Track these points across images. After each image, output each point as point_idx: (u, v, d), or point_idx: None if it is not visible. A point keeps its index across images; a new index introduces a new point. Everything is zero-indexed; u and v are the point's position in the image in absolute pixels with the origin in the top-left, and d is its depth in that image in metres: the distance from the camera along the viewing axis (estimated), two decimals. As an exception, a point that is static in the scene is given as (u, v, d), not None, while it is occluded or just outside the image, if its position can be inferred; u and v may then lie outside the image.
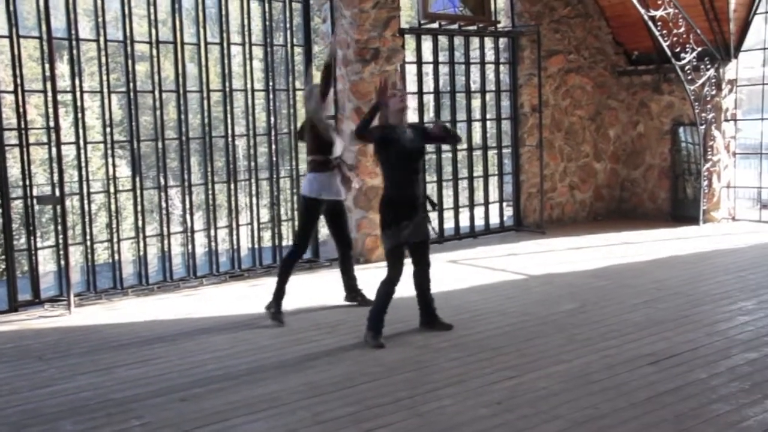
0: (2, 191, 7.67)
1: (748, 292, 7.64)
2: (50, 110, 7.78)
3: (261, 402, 5.12)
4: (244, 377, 5.63)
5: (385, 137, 6.26)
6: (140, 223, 8.60)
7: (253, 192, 9.33)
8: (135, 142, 8.52)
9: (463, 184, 11.51)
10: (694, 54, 11.18)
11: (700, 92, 11.47)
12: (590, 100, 12.62)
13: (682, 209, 12.24)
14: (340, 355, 6.10)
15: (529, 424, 4.62)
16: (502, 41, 11.80)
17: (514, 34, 11.69)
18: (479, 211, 11.69)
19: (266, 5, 9.26)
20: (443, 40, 11.03)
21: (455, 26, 10.98)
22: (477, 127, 11.84)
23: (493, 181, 11.93)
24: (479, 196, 11.73)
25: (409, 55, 11.13)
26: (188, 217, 8.88)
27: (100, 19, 8.21)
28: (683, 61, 11.14)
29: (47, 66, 7.78)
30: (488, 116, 11.85)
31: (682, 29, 10.98)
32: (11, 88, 7.81)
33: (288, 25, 9.46)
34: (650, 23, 10.84)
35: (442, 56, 11.08)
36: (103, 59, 8.30)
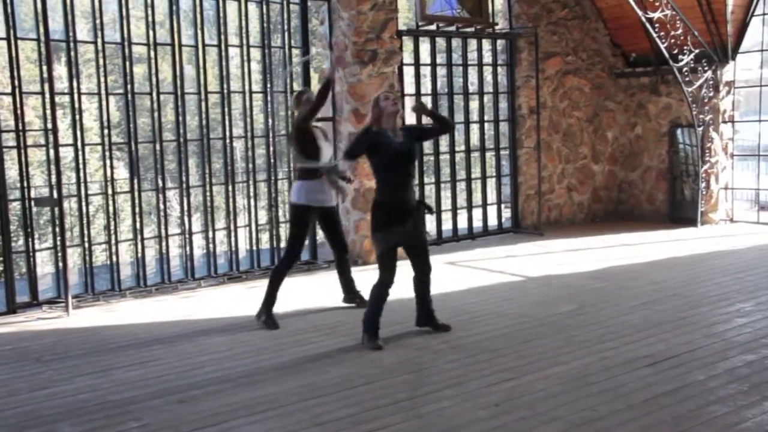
0: (0, 193, 7.67)
1: (746, 294, 7.65)
2: (48, 112, 7.78)
3: (259, 404, 5.12)
4: (242, 379, 5.63)
5: (374, 142, 6.21)
6: (138, 224, 8.59)
7: (251, 194, 9.34)
8: (133, 143, 8.52)
9: (461, 186, 11.52)
10: (692, 56, 11.19)
11: (697, 94, 11.48)
12: (588, 102, 12.63)
13: (680, 211, 12.26)
14: (338, 356, 6.10)
15: (527, 426, 4.62)
16: (500, 43, 11.81)
17: (512, 36, 11.70)
18: (477, 213, 11.69)
19: (264, 7, 9.26)
20: (441, 41, 11.05)
21: (453, 28, 10.99)
22: (475, 128, 11.84)
23: (491, 183, 11.94)
24: (477, 197, 11.74)
25: (407, 57, 11.14)
26: (186, 218, 8.88)
27: (97, 21, 8.21)
28: (681, 63, 11.15)
29: (45, 68, 7.78)
30: (486, 118, 11.87)
31: (680, 31, 11.00)
32: (9, 90, 7.81)
33: (286, 27, 9.46)
34: (648, 25, 10.85)
35: (440, 58, 11.09)
36: (101, 61, 8.30)
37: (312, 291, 8.32)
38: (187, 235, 8.87)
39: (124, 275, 8.62)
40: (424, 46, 10.92)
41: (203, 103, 8.92)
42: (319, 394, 5.24)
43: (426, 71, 10.88)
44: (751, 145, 13.34)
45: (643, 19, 10.77)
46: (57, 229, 7.98)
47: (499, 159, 11.95)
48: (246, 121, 9.23)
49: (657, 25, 10.90)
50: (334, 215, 7.45)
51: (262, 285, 7.29)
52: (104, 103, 8.34)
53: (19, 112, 7.77)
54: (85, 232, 8.28)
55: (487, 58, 12.05)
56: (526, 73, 11.79)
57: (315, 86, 10.11)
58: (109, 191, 8.40)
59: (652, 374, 5.42)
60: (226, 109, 9.02)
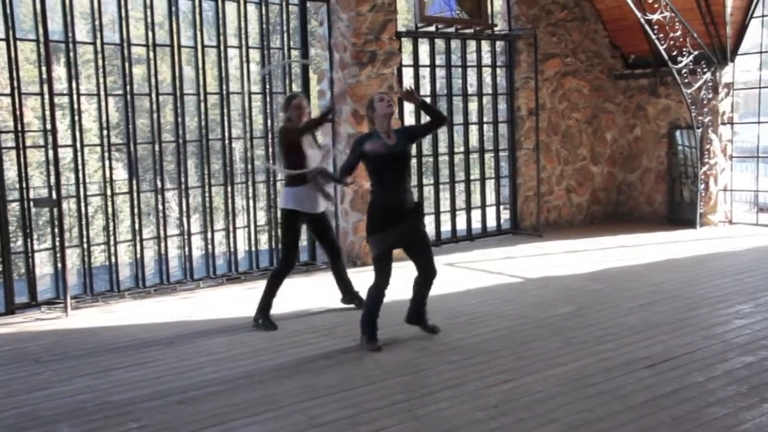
0: (-1, 194, 7.68)
1: (745, 296, 7.65)
2: (47, 113, 7.78)
3: (258, 405, 5.12)
4: (241, 380, 5.63)
5: (365, 147, 6.17)
6: (137, 225, 8.59)
7: (250, 195, 9.34)
8: (132, 144, 8.52)
9: (460, 187, 11.53)
10: (691, 57, 11.20)
11: (696, 96, 11.49)
12: (587, 104, 12.63)
13: (679, 212, 12.26)
14: (337, 358, 6.10)
15: (526, 428, 4.61)
16: (499, 44, 11.82)
17: (511, 37, 11.71)
18: (476, 214, 11.69)
19: (263, 8, 9.26)
20: (440, 43, 11.05)
21: (452, 29, 10.99)
22: (474, 130, 11.85)
23: (490, 184, 11.94)
24: (476, 199, 11.73)
25: (406, 59, 11.13)
26: (185, 219, 8.88)
27: (96, 22, 8.21)
28: (680, 65, 11.15)
29: (44, 69, 7.78)
30: (485, 119, 11.88)
31: (679, 33, 11.00)
32: (8, 90, 7.81)
33: (285, 28, 9.47)
34: (647, 27, 10.85)
35: (439, 59, 11.09)
36: (100, 62, 8.29)
37: (310, 292, 8.32)
38: (185, 236, 8.87)
39: (122, 276, 8.62)
40: (423, 48, 10.92)
41: (202, 104, 8.92)
42: (318, 395, 5.24)
43: (425, 72, 10.89)
44: (750, 146, 13.34)
45: (643, 20, 10.78)
46: (56, 230, 7.98)
47: (498, 160, 11.96)
48: (245, 122, 9.23)
49: (656, 26, 10.90)
50: (323, 220, 7.40)
51: (260, 286, 7.28)
52: (103, 104, 8.34)
53: (18, 112, 7.76)
54: (84, 232, 8.28)
55: (486, 59, 12.05)
56: (525, 75, 11.79)
57: (314, 87, 10.14)
58: (108, 192, 8.40)
59: (651, 376, 5.42)
60: (225, 110, 9.03)
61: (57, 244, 7.94)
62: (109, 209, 8.45)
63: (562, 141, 12.38)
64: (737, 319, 6.85)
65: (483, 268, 9.46)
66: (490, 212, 11.88)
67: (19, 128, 7.78)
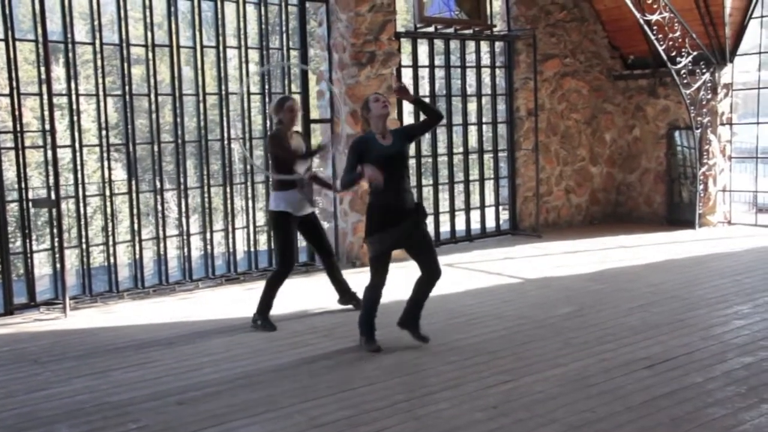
0: (-2, 194, 7.67)
1: (743, 296, 7.65)
2: (46, 113, 7.78)
3: (258, 405, 5.11)
4: (240, 381, 5.62)
5: (360, 151, 6.08)
6: (136, 226, 8.59)
7: (249, 195, 9.33)
8: (131, 145, 8.52)
9: (459, 188, 11.53)
10: (690, 58, 11.20)
11: (695, 96, 11.49)
12: (586, 104, 12.64)
13: (678, 213, 12.27)
14: (336, 358, 6.10)
15: (526, 428, 4.61)
16: (498, 45, 11.82)
17: (510, 38, 11.71)
18: (475, 215, 11.69)
19: (262, 8, 9.26)
20: (439, 43, 11.05)
21: (451, 30, 10.99)
22: (473, 130, 11.85)
23: (489, 185, 11.95)
24: (475, 199, 11.73)
25: (405, 59, 11.13)
26: (184, 220, 8.88)
27: (95, 22, 8.21)
28: (679, 65, 11.16)
29: (43, 69, 7.78)
30: (484, 120, 11.88)
31: (678, 33, 11.01)
32: (7, 91, 7.80)
33: (284, 29, 9.47)
34: (646, 27, 10.86)
35: (438, 60, 11.10)
36: (99, 62, 8.29)
37: (310, 293, 8.31)
38: (184, 237, 8.87)
39: (121, 276, 8.62)
40: (423, 48, 10.92)
41: (201, 105, 8.91)
42: (317, 396, 5.24)
43: (424, 73, 10.88)
44: (749, 147, 13.35)
45: (642, 21, 10.78)
46: (55, 231, 7.98)
47: (497, 161, 11.96)
48: (244, 122, 9.23)
49: (655, 27, 10.91)
50: (314, 222, 7.38)
51: (259, 286, 7.27)
52: (102, 104, 8.34)
53: (17, 113, 7.76)
54: (83, 233, 8.28)
55: (486, 60, 12.05)
56: (524, 75, 11.80)
57: (313, 88, 10.13)
58: (107, 192, 8.40)
59: (651, 376, 5.42)
60: (224, 111, 9.03)
61: (56, 244, 7.94)
62: (108, 210, 8.45)
63: (561, 141, 12.39)
64: (736, 319, 6.85)
65: (482, 269, 9.46)
66: (489, 213, 11.87)
67: (18, 128, 7.77)
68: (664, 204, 12.54)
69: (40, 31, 7.64)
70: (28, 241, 7.98)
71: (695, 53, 11.25)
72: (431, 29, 10.79)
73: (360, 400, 5.15)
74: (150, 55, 8.56)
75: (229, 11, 9.14)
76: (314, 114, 10.16)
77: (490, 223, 11.87)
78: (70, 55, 8.14)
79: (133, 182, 8.53)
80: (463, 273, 9.23)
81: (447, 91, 11.21)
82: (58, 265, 7.91)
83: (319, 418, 4.87)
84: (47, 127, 7.77)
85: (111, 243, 8.47)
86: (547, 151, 12.20)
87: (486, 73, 11.95)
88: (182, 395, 5.35)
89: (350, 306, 7.54)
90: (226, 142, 9.08)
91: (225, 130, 9.04)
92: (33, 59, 8.33)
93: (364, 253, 9.53)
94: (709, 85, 11.60)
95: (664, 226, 12.15)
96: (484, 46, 11.91)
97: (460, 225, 11.44)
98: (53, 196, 7.81)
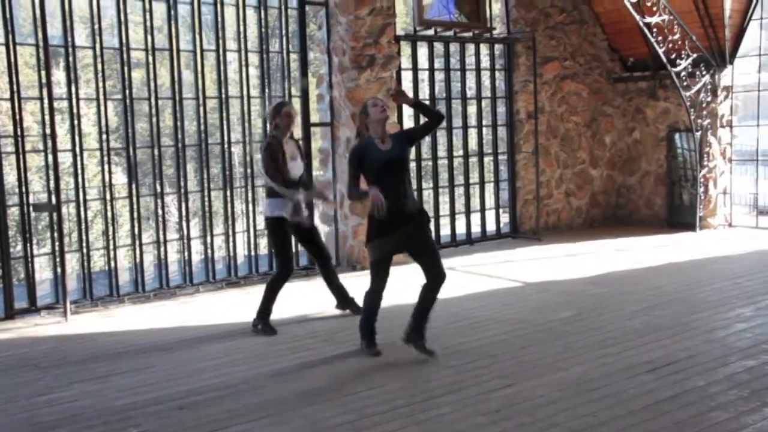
0: (-2, 198, 7.67)
1: (745, 299, 7.64)
2: (46, 117, 7.77)
3: (259, 410, 5.11)
4: (241, 385, 5.62)
5: (361, 157, 6.04)
6: (136, 230, 8.58)
7: (250, 199, 9.32)
8: (131, 149, 8.52)
9: (459, 191, 11.52)
10: (690, 60, 11.21)
11: (695, 98, 11.50)
12: (586, 107, 12.64)
13: (679, 216, 12.26)
14: (337, 363, 6.09)
15: (528, 433, 4.61)
16: (498, 48, 11.82)
17: (510, 40, 11.71)
18: (475, 218, 11.68)
19: (262, 12, 9.26)
20: (439, 46, 11.05)
21: (451, 33, 10.99)
22: (473, 133, 11.84)
23: (490, 188, 11.94)
24: (475, 202, 11.73)
25: (405, 62, 11.14)
26: (184, 224, 8.87)
27: (95, 26, 8.21)
28: (679, 68, 11.16)
29: (43, 73, 7.78)
30: (484, 123, 11.87)
31: (678, 36, 11.01)
32: (7, 95, 7.80)
33: (284, 32, 9.47)
34: (645, 30, 10.86)
35: (438, 63, 11.10)
36: (99, 66, 8.29)
37: (310, 297, 8.29)
38: (185, 241, 8.86)
39: (122, 281, 8.61)
40: (422, 51, 10.92)
41: (201, 108, 8.91)
42: (318, 401, 5.23)
43: (424, 76, 10.88)
44: (749, 149, 13.35)
45: (641, 23, 10.78)
46: (55, 235, 7.97)
47: (497, 164, 11.95)
48: (244, 126, 9.23)
49: (655, 29, 10.91)
50: (309, 227, 7.38)
51: (260, 290, 7.26)
52: (102, 108, 8.34)
53: (17, 117, 7.76)
54: (84, 237, 8.27)
55: (485, 62, 12.05)
56: (524, 78, 11.80)
57: (313, 91, 10.12)
58: (108, 197, 8.40)
59: (653, 380, 5.41)
60: (224, 114, 9.02)
61: (56, 248, 7.93)
62: (109, 214, 8.45)
63: (561, 144, 12.38)
64: (738, 322, 6.85)
65: (483, 272, 9.45)
66: (490, 216, 11.87)
67: (19, 133, 7.77)
68: (664, 206, 12.54)
69: (40, 35, 7.64)
70: (28, 245, 7.97)
71: (695, 55, 11.26)
72: (431, 32, 10.79)
73: (361, 404, 5.14)
74: (150, 58, 8.56)
75: (229, 15, 9.14)
76: (314, 117, 10.15)
77: (491, 227, 11.87)
78: (71, 59, 8.14)
79: (134, 186, 8.52)
80: (463, 276, 9.22)
81: (447, 94, 11.21)
82: (58, 270, 7.91)
83: (320, 422, 4.86)
84: (48, 131, 7.76)
85: (111, 247, 8.47)
86: (547, 154, 12.20)
87: (486, 76, 11.95)
88: (183, 400, 5.34)
89: (348, 311, 7.51)
90: (226, 145, 9.08)
91: (225, 133, 9.04)
92: (33, 63, 8.32)
93: (364, 256, 9.52)
94: (709, 87, 11.60)
95: (665, 229, 12.15)
96: (484, 49, 11.91)
97: (461, 228, 11.43)
98: (54, 201, 7.80)
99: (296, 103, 9.36)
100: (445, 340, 6.54)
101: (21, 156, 7.82)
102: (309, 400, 5.26)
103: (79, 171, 8.23)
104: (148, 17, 8.48)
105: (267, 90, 9.34)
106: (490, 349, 6.29)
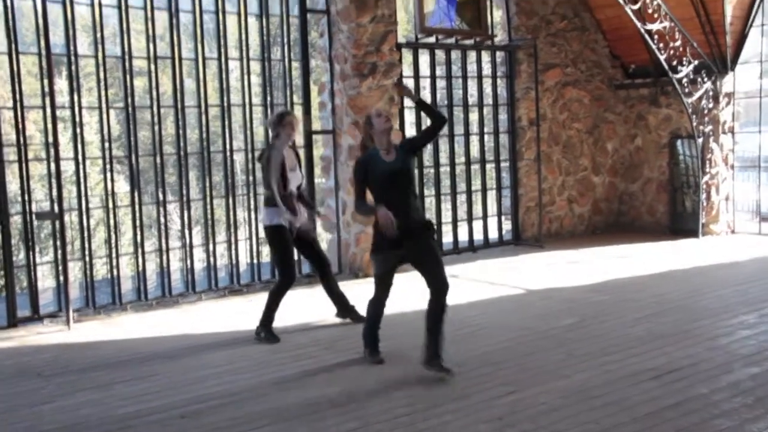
0: (1, 207, 7.67)
1: (748, 306, 7.63)
2: (49, 126, 7.78)
3: (261, 418, 5.10)
4: (243, 393, 5.61)
5: (366, 169, 5.97)
6: (139, 238, 8.59)
7: (252, 206, 9.33)
8: (133, 157, 8.53)
9: (462, 198, 11.52)
10: (691, 67, 11.21)
11: (697, 105, 11.50)
12: (588, 114, 12.64)
13: (681, 222, 12.25)
14: (339, 371, 6.08)
15: (531, 440, 4.61)
16: (499, 55, 11.83)
17: (511, 47, 11.72)
18: (478, 225, 11.68)
19: (263, 20, 9.28)
20: (440, 54, 11.06)
21: (452, 40, 11.01)
22: (475, 140, 11.85)
23: (492, 195, 11.94)
24: (478, 210, 11.73)
25: (407, 70, 11.15)
26: (187, 232, 8.87)
27: (98, 35, 8.23)
28: (680, 74, 11.17)
29: (46, 82, 7.79)
30: (486, 130, 11.88)
31: (679, 42, 11.02)
32: (10, 104, 7.82)
33: (285, 40, 9.48)
34: (647, 37, 10.87)
35: (440, 70, 11.10)
36: (102, 75, 8.31)
37: (313, 305, 8.27)
38: (187, 249, 8.86)
39: (124, 289, 8.61)
40: (424, 59, 10.94)
41: (203, 116, 8.92)
42: (321, 409, 5.23)
43: (425, 83, 10.90)
44: (751, 155, 13.34)
45: (642, 30, 10.79)
46: (58, 243, 7.98)
47: (499, 171, 11.95)
48: (246, 133, 9.24)
49: (656, 36, 10.92)
50: (311, 242, 7.36)
51: (262, 298, 7.26)
52: (105, 116, 8.35)
53: (20, 126, 7.77)
54: (86, 245, 8.28)
55: (487, 70, 12.07)
56: (525, 85, 11.80)
57: (315, 99, 10.13)
58: (110, 205, 8.41)
59: (656, 387, 5.40)
60: (226, 122, 9.03)
61: (59, 257, 7.93)
62: (111, 222, 8.45)
63: (563, 151, 12.38)
64: (741, 329, 6.83)
65: (485, 280, 9.44)
66: (492, 223, 11.86)
67: (22, 141, 7.78)
68: (666, 213, 12.53)
69: (43, 44, 7.67)
70: (31, 253, 7.98)
71: (696, 62, 11.26)
72: (432, 39, 10.81)
73: (364, 412, 5.13)
74: (152, 67, 8.58)
75: (231, 23, 9.16)
76: (316, 125, 10.16)
77: (493, 234, 11.86)
78: (73, 67, 8.16)
79: (136, 194, 8.53)
80: (466, 284, 9.21)
81: (448, 101, 11.22)
82: (61, 278, 7.91)
83: (322, 430, 4.86)
84: (50, 139, 7.78)
85: (114, 255, 8.47)
86: (549, 161, 12.20)
87: (487, 83, 11.96)
88: (186, 408, 5.33)
89: (347, 320, 7.50)
90: (228, 153, 9.09)
91: (227, 141, 9.05)
92: (36, 72, 8.37)
93: (367, 264, 9.52)
94: (710, 93, 11.60)
95: (667, 236, 12.13)
96: (486, 56, 11.93)
97: (463, 235, 11.43)
98: (56, 209, 7.81)
99: (297, 111, 9.38)
100: (449, 347, 6.48)
101: (24, 164, 7.84)
102: (311, 408, 5.25)
103: (82, 179, 8.25)
104: (150, 26, 8.51)
105: (269, 98, 9.36)
106: (493, 356, 6.28)
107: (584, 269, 9.86)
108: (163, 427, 5.02)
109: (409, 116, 10.70)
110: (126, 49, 8.36)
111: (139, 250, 8.58)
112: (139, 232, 8.59)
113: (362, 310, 7.09)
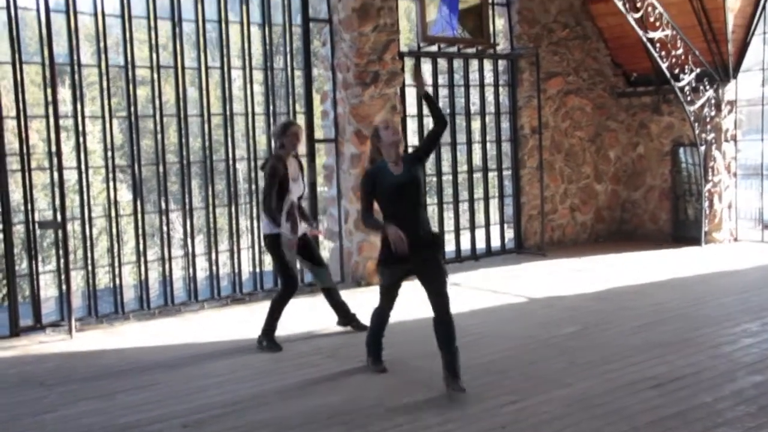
0: (4, 216, 7.69)
1: (751, 314, 7.61)
2: (52, 135, 7.80)
3: (263, 427, 5.10)
4: (245, 402, 5.61)
5: (373, 183, 5.89)
6: (141, 247, 8.59)
7: (254, 215, 9.33)
8: (136, 166, 8.54)
9: (464, 207, 11.52)
10: (693, 75, 11.22)
11: (699, 113, 11.50)
12: (590, 122, 12.65)
13: (684, 230, 12.24)
14: (342, 380, 6.08)
15: (533, 449, 4.60)
16: (502, 63, 11.85)
17: (513, 56, 11.74)
18: (480, 234, 11.67)
19: (266, 29, 9.31)
20: (442, 62, 11.08)
21: (454, 49, 11.03)
22: (477, 149, 11.86)
23: (494, 204, 11.93)
24: (480, 218, 11.73)
25: (409, 78, 11.15)
26: (189, 240, 8.88)
27: (101, 45, 8.25)
28: (682, 83, 11.18)
29: (49, 91, 7.81)
30: (488, 138, 11.88)
31: (681, 51, 11.03)
32: (14, 113, 7.83)
33: (288, 49, 9.51)
34: (649, 45, 10.88)
35: (442, 79, 11.12)
36: (105, 84, 8.33)
37: (315, 313, 8.28)
38: (190, 257, 8.87)
39: (127, 298, 8.61)
40: (426, 67, 10.96)
41: (206, 125, 8.94)
42: (323, 417, 5.22)
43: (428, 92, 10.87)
44: (753, 163, 13.32)
45: (644, 39, 10.81)
46: (60, 252, 7.99)
47: (501, 179, 11.95)
48: (249, 142, 9.25)
49: (658, 44, 10.93)
50: (307, 243, 7.34)
51: (265, 307, 7.25)
52: (107, 125, 8.37)
53: (23, 135, 7.79)
54: (89, 254, 8.28)
55: (489, 78, 12.08)
56: (527, 94, 11.82)
57: (317, 107, 10.15)
58: (113, 213, 8.42)
59: (658, 396, 5.39)
60: (228, 131, 9.05)
61: (61, 266, 7.94)
62: (114, 231, 8.46)
63: (565, 159, 12.39)
64: (744, 337, 6.81)
65: (488, 288, 9.44)
66: (494, 231, 11.85)
67: (25, 150, 7.80)
68: (669, 221, 12.52)
69: (46, 53, 7.69)
70: (34, 262, 7.99)
71: (698, 70, 11.27)
72: (434, 48, 10.83)
73: (366, 421, 5.13)
74: (155, 76, 8.60)
75: (234, 32, 9.18)
76: (318, 134, 10.18)
77: (495, 242, 11.85)
78: (76, 77, 8.18)
79: (139, 203, 8.54)
80: (468, 292, 9.20)
81: (451, 109, 11.23)
82: (63, 287, 7.92)
83: (325, 440, 4.85)
84: (53, 148, 7.80)
85: (116, 264, 8.48)
86: (552, 169, 12.20)
87: (489, 92, 11.97)
88: (187, 417, 5.33)
89: (349, 328, 7.50)
90: (230, 162, 9.10)
91: (230, 150, 9.07)
92: (39, 81, 8.37)
93: (369, 273, 9.53)
94: (712, 101, 11.61)
95: (670, 244, 12.12)
96: (488, 65, 11.94)
97: (465, 244, 11.42)
98: (59, 218, 7.82)
99: (300, 119, 9.40)
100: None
101: (26, 173, 7.85)
102: (314, 416, 5.25)
103: (85, 188, 8.26)
104: (152, 35, 8.53)
105: (271, 107, 9.38)
106: (495, 364, 6.28)
107: (586, 277, 9.85)
108: (165, 436, 5.03)
109: (412, 124, 10.69)
110: (129, 59, 8.38)
111: (142, 259, 8.59)
112: (141, 241, 8.60)
113: (364, 318, 7.12)
